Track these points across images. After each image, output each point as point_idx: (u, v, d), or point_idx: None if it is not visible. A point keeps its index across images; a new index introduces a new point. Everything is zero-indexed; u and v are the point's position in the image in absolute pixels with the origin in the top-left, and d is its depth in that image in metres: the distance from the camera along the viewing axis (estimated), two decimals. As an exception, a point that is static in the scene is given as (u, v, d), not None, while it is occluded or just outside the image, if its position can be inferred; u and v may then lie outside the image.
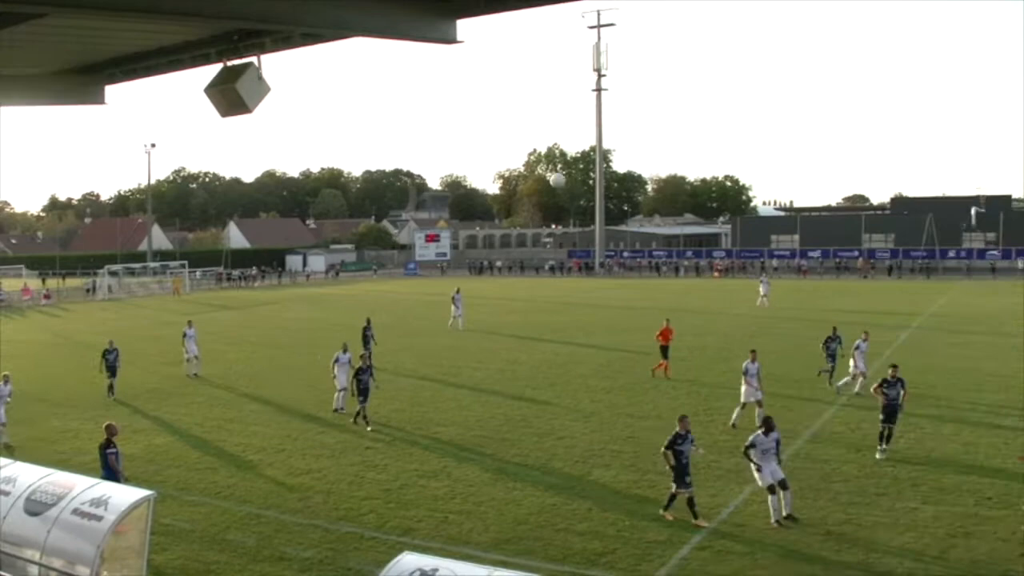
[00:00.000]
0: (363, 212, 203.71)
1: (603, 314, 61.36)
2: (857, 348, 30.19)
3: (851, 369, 30.23)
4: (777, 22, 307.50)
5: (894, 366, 23.32)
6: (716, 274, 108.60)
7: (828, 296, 73.62)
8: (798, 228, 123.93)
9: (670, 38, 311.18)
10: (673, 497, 18.04)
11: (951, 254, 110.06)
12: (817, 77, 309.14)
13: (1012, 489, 19.50)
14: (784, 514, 17.74)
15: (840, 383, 30.57)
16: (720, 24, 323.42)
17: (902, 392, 22.79)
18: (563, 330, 50.60)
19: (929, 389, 30.31)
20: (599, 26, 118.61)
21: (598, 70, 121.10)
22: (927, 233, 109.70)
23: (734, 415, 26.04)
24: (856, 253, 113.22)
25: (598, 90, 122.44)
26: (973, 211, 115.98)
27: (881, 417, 22.44)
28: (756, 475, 17.96)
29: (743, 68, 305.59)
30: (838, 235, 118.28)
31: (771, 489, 17.71)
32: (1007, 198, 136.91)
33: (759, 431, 18.12)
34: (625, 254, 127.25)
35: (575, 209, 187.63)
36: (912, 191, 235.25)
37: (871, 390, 23.64)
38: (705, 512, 18.12)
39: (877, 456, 22.08)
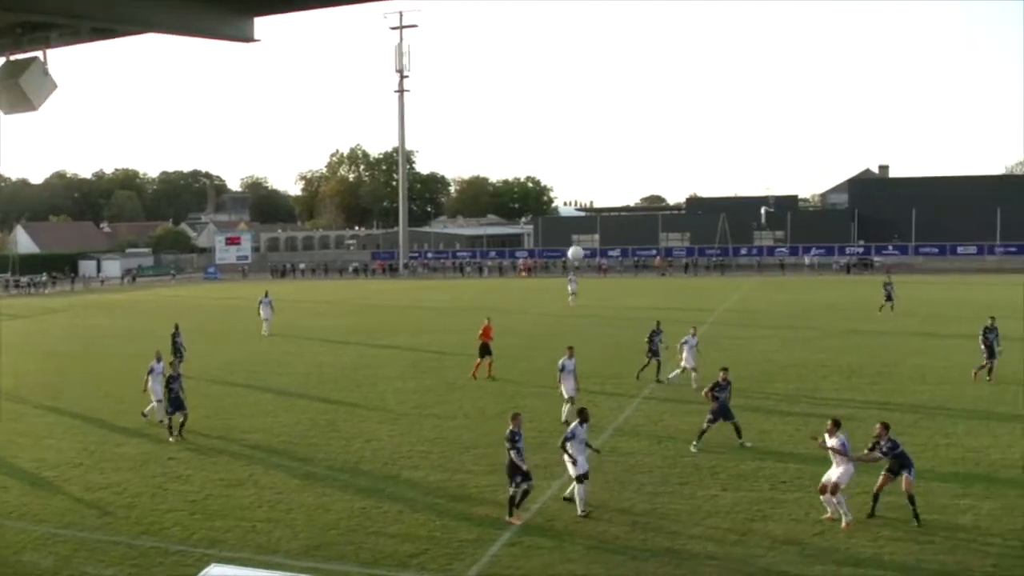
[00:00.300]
0: (160, 215, 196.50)
1: (408, 315, 61.23)
2: (685, 343, 31.06)
3: (681, 363, 31.07)
4: (574, 24, 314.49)
5: (724, 369, 24.01)
6: (523, 274, 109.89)
7: (629, 294, 75.58)
8: (598, 228, 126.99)
9: (473, 40, 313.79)
10: (526, 493, 17.99)
11: (743, 252, 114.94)
12: (615, 79, 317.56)
13: (805, 472, 20.40)
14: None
15: (671, 375, 31.39)
16: (523, 26, 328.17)
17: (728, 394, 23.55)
18: (369, 332, 50.23)
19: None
20: (401, 27, 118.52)
21: (400, 71, 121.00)
22: (720, 232, 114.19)
23: (564, 412, 25.94)
24: (654, 252, 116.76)
25: (400, 91, 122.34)
26: (763, 211, 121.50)
27: (709, 417, 23.07)
28: (571, 467, 18.19)
29: (544, 71, 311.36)
30: (636, 234, 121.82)
31: (581, 479, 18.02)
32: (794, 198, 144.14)
33: (576, 423, 18.46)
34: (429, 255, 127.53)
35: (378, 211, 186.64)
36: (706, 192, 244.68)
37: (703, 394, 24.18)
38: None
39: (692, 449, 22.71)
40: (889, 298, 53.13)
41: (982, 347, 31.11)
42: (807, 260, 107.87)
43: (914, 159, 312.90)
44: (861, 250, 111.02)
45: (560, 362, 26.85)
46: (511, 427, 18.02)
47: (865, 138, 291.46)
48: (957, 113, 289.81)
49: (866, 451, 17.80)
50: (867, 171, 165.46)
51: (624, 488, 19.66)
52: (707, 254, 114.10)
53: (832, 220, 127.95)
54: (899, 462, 17.23)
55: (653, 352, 32.09)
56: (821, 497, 17.50)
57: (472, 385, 32.56)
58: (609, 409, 27.71)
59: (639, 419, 26.56)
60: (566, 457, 18.22)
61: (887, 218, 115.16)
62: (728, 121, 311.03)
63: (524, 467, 17.74)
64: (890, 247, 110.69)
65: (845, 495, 17.18)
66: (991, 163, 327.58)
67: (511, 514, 17.77)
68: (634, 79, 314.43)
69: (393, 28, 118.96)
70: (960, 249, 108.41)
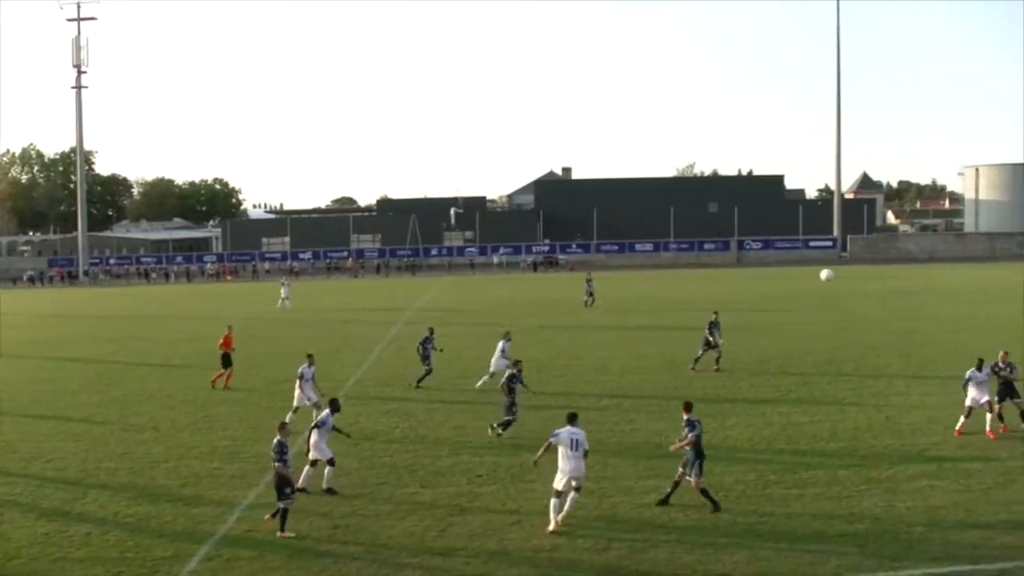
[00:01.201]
0: None
1: (91, 325, 57.90)
2: (502, 351, 30.57)
3: (492, 367, 30.44)
4: (261, 22, 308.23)
5: (517, 363, 24.94)
6: (228, 278, 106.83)
7: (324, 296, 74.97)
8: (288, 230, 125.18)
9: (158, 36, 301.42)
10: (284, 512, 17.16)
11: (434, 252, 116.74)
12: (304, 78, 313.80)
13: (500, 464, 21.00)
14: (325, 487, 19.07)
15: (478, 384, 30.75)
16: (209, 22, 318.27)
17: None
18: (50, 344, 47.15)
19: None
20: (79, 19, 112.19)
21: (78, 66, 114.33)
22: (411, 233, 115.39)
23: (288, 418, 25.00)
24: (345, 253, 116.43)
25: (78, 87, 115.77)
26: (452, 212, 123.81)
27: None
28: (316, 452, 19.26)
29: (231, 69, 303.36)
30: (328, 236, 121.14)
31: (331, 463, 19.39)
32: (482, 199, 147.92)
33: (327, 412, 19.55)
34: (111, 261, 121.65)
35: (55, 215, 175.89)
36: (396, 193, 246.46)
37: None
38: (210, 521, 17.77)
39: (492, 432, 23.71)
40: (590, 294, 55.62)
41: (708, 339, 32.97)
42: (496, 259, 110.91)
43: (595, 162, 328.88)
44: (547, 249, 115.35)
45: (300, 370, 26.06)
46: (278, 437, 17.34)
47: (549, 141, 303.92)
48: (633, 118, 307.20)
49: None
50: (551, 173, 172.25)
51: (322, 492, 19.43)
52: (398, 255, 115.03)
53: (519, 220, 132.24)
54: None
55: (425, 358, 31.35)
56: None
57: (161, 395, 31.20)
58: (303, 414, 27.26)
59: (335, 421, 26.22)
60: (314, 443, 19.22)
61: (571, 218, 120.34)
62: (418, 123, 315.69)
63: (294, 479, 17.36)
64: (574, 245, 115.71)
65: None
66: (665, 166, 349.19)
67: (282, 529, 16.92)
68: (323, 79, 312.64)
69: (70, 20, 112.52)
70: (638, 246, 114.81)
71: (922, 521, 16.99)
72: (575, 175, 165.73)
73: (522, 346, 38.62)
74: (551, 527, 16.72)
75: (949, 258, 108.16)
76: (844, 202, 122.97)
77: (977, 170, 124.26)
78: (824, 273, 20.48)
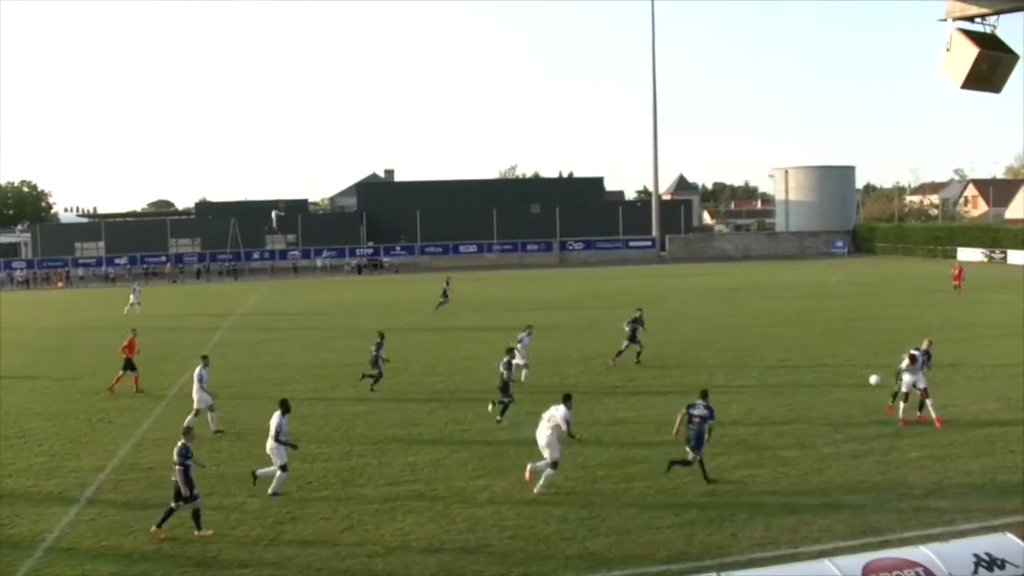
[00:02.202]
0: None
1: None
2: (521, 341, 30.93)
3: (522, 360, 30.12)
4: (75, 20, 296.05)
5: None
6: (60, 284, 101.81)
7: (144, 303, 72.46)
8: (103, 235, 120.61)
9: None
10: (171, 512, 17.04)
11: (256, 256, 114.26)
12: (102, 78, 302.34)
13: (330, 470, 20.84)
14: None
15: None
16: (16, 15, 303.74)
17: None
18: None
19: (242, 387, 31.23)
20: None
21: None
22: (232, 236, 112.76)
23: (192, 418, 24.95)
24: (164, 258, 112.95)
25: None
26: (274, 214, 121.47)
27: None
28: (276, 457, 19.37)
29: (38, 63, 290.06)
30: (145, 241, 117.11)
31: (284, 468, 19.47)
32: (304, 202, 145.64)
33: (279, 414, 19.49)
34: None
35: None
36: (216, 196, 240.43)
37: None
38: (29, 537, 17.03)
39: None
40: (445, 295, 55.85)
41: (630, 333, 33.53)
42: (319, 262, 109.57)
43: (418, 163, 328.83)
44: (371, 251, 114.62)
45: (197, 371, 25.60)
46: (183, 441, 17.26)
47: (371, 143, 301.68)
48: (456, 120, 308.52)
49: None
50: (374, 175, 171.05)
51: (147, 505, 18.77)
52: (219, 259, 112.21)
53: (342, 223, 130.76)
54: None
55: (373, 362, 30.53)
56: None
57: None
58: (125, 425, 26.38)
59: (158, 432, 25.44)
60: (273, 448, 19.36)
61: (394, 220, 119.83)
62: (237, 123, 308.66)
63: (189, 488, 16.88)
64: (398, 248, 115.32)
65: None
66: (487, 168, 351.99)
67: (199, 528, 17.00)
68: (135, 75, 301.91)
69: None
70: (462, 248, 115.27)
71: (744, 508, 17.65)
72: (398, 177, 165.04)
73: (348, 350, 38.44)
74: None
75: (762, 256, 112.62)
76: (662, 203, 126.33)
77: (786, 172, 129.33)
78: (873, 379, 21.36)
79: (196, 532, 16.92)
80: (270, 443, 19.49)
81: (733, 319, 46.97)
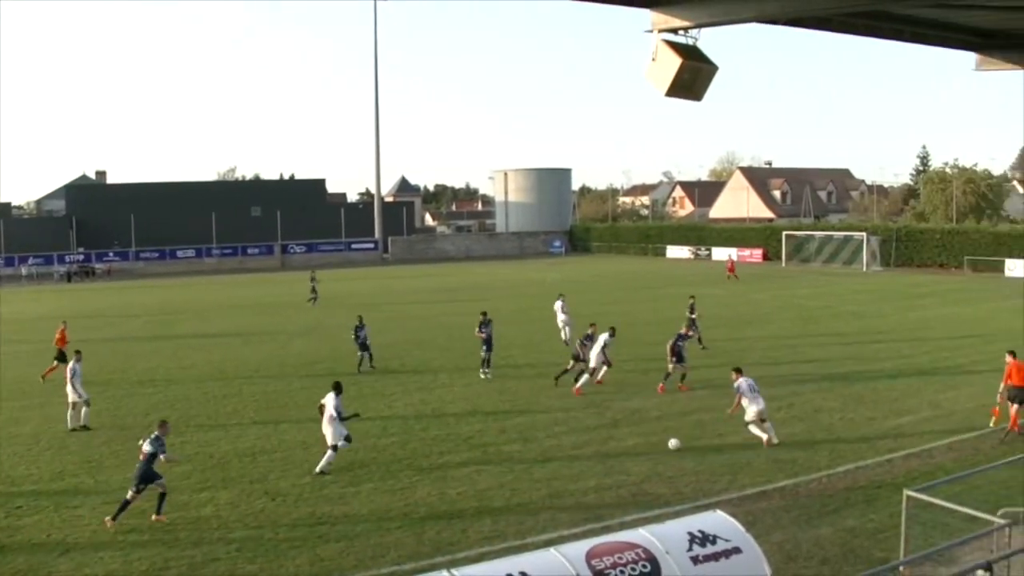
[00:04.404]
0: None
1: None
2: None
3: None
4: None
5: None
6: None
7: None
8: None
9: None
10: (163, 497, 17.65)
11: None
12: None
13: (42, 492, 19.61)
14: None
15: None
16: None
17: None
18: None
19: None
20: None
21: None
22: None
23: (69, 418, 25.36)
24: None
25: None
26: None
27: None
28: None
29: None
30: None
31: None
32: (7, 206, 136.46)
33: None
34: None
35: None
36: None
37: None
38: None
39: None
40: (314, 292, 56.95)
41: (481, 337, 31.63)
42: (24, 270, 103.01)
43: (132, 165, 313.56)
44: (82, 257, 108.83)
45: (70, 366, 25.74)
46: (156, 432, 17.84)
47: (80, 143, 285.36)
48: (172, 121, 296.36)
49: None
50: (84, 177, 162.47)
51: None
52: None
53: (49, 228, 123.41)
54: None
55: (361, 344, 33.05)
56: None
57: None
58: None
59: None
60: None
61: (107, 224, 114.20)
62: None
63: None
64: (111, 253, 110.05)
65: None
66: (206, 170, 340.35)
67: (116, 517, 17.31)
68: None
69: None
70: (180, 253, 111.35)
71: (472, 504, 18.02)
72: (111, 179, 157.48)
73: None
74: None
75: (483, 256, 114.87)
76: (384, 205, 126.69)
77: (505, 174, 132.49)
78: (672, 443, 20.94)
79: (154, 516, 17.52)
80: (326, 423, 20.61)
81: (455, 318, 47.55)
